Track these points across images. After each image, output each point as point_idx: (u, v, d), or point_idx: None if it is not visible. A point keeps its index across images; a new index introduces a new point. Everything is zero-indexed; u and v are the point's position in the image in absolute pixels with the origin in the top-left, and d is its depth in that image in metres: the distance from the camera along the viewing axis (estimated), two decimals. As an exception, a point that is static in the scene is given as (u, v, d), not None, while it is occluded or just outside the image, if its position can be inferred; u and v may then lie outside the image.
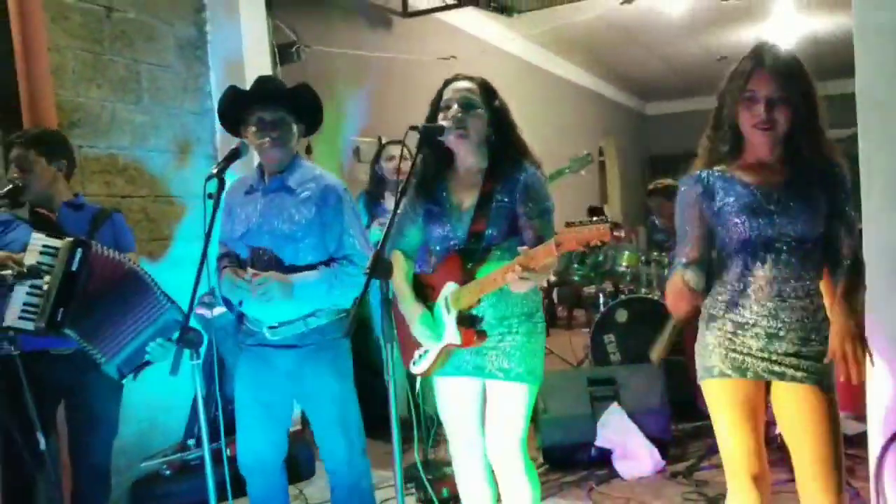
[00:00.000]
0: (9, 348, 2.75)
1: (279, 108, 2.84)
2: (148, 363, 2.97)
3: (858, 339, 2.21)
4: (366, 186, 4.88)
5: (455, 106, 2.55)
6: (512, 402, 2.61)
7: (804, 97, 2.26)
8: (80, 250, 2.89)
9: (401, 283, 2.70)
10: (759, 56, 2.28)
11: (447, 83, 2.62)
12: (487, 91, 2.61)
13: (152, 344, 2.92)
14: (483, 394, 2.69)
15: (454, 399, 2.73)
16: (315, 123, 2.99)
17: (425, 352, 2.64)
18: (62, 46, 3.94)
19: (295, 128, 2.89)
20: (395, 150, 4.61)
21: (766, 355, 2.31)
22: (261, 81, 2.93)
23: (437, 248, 2.66)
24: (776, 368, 2.31)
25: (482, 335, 2.53)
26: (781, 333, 2.30)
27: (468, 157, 2.63)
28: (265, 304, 2.76)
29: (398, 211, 2.38)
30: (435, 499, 3.47)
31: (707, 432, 4.59)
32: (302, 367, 2.87)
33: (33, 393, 2.70)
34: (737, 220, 2.32)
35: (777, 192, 2.31)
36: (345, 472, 2.95)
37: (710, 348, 2.40)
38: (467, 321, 2.52)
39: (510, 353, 2.57)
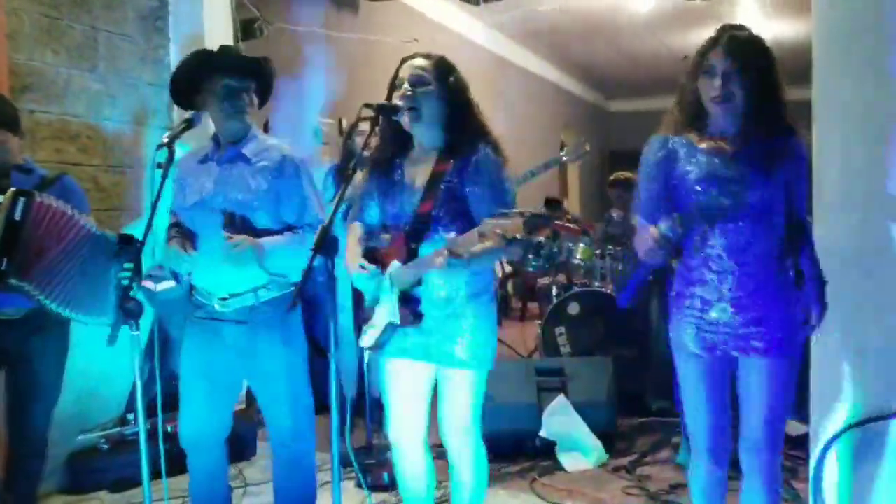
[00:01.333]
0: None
1: (244, 77, 2.85)
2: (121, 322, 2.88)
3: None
4: (336, 162, 4.85)
5: (406, 84, 2.54)
6: (458, 388, 2.62)
7: (762, 73, 2.38)
8: (22, 199, 2.83)
9: (353, 243, 2.71)
10: (721, 33, 2.42)
11: (403, 61, 2.60)
12: (441, 68, 2.58)
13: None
14: (431, 377, 2.69)
15: (397, 380, 2.72)
16: (266, 98, 3.01)
17: (372, 325, 2.64)
18: (18, 9, 3.84)
19: (254, 99, 2.91)
20: (365, 128, 4.54)
21: (730, 330, 2.42)
22: (227, 50, 2.96)
23: (390, 224, 2.66)
24: (741, 343, 2.42)
25: (418, 316, 2.54)
26: (743, 302, 2.40)
27: (422, 135, 2.62)
28: (238, 268, 2.74)
29: (350, 186, 2.36)
30: (364, 483, 3.45)
31: (653, 428, 4.66)
32: (253, 342, 2.84)
33: None
34: (697, 188, 2.43)
35: (733, 162, 2.41)
36: (289, 447, 2.94)
37: (681, 325, 2.52)
38: (406, 301, 2.53)
39: (455, 338, 2.56)
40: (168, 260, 2.83)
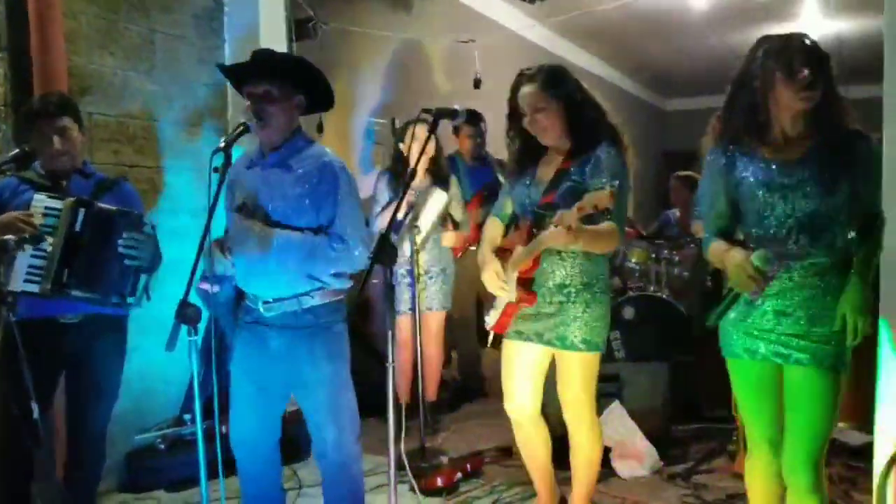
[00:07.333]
0: (7, 315, 2.72)
1: (264, 81, 2.75)
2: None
3: (865, 311, 2.28)
4: (387, 165, 4.83)
5: (529, 114, 2.90)
6: (572, 369, 2.98)
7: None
8: (82, 210, 2.87)
9: (487, 233, 3.13)
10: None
11: (515, 89, 2.94)
12: (550, 85, 2.88)
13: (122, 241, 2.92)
14: (546, 358, 3.04)
15: (513, 360, 3.06)
16: (321, 96, 2.92)
17: (493, 306, 3.01)
18: (77, 12, 3.90)
19: (286, 103, 2.80)
20: (418, 131, 4.43)
21: (773, 337, 2.40)
22: (252, 54, 2.85)
23: (519, 213, 3.04)
24: (783, 350, 2.39)
25: (532, 296, 2.89)
26: (789, 311, 2.37)
27: (552, 141, 2.98)
28: (241, 253, 2.76)
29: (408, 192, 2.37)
30: (416, 488, 3.47)
31: (709, 435, 4.56)
32: (294, 351, 2.83)
33: (36, 361, 2.66)
34: (754, 195, 2.39)
35: (793, 167, 2.35)
36: (333, 457, 2.91)
37: (728, 326, 2.53)
38: (521, 281, 2.87)
39: (569, 323, 2.89)
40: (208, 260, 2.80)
